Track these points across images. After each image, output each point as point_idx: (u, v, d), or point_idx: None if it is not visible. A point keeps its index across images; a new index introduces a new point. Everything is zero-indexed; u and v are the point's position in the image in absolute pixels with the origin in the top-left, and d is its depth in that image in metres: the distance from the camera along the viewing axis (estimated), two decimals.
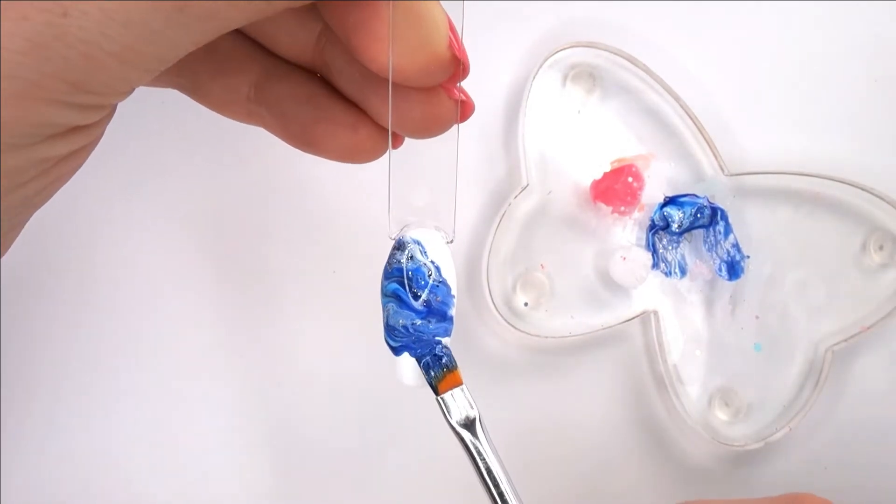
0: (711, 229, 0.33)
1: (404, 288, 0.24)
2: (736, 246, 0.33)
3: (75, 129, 0.19)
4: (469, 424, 0.23)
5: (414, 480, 0.33)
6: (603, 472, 0.33)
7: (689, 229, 0.33)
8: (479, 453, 0.23)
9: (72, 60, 0.17)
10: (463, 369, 0.33)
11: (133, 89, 0.19)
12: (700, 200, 0.33)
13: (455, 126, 0.23)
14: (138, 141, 0.33)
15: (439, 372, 0.24)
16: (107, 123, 0.21)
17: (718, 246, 0.33)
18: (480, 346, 0.33)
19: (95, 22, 0.17)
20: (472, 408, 0.23)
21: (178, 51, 0.19)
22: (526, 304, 0.33)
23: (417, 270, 0.24)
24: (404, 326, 0.24)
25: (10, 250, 0.22)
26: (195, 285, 0.33)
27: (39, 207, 0.21)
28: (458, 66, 0.21)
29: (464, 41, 0.21)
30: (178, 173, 0.33)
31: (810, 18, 0.34)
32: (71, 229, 0.33)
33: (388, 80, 0.21)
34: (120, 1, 0.17)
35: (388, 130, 0.24)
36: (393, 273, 0.24)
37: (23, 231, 0.22)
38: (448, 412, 0.23)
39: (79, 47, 0.17)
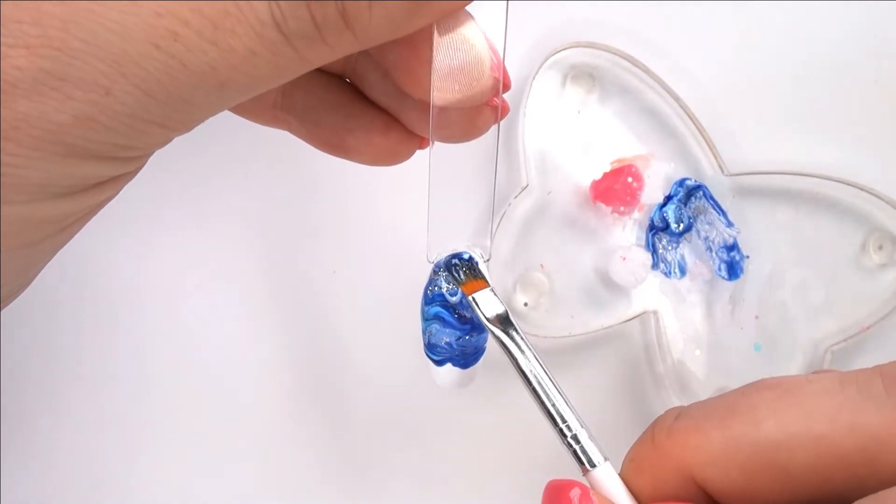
0: (703, 217, 0.33)
1: (447, 310, 0.24)
2: (735, 246, 0.33)
3: (118, 177, 0.20)
4: (502, 320, 0.23)
5: (423, 477, 0.33)
6: None
7: (688, 229, 0.33)
8: (513, 348, 0.23)
9: (115, 129, 0.18)
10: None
11: (172, 139, 0.20)
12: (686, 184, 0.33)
13: (494, 148, 0.23)
14: None
15: (468, 275, 0.24)
16: (143, 167, 0.21)
17: (713, 227, 0.33)
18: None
19: (136, 100, 0.17)
20: (501, 305, 0.23)
21: (217, 112, 0.19)
22: (526, 304, 0.33)
23: (459, 293, 0.24)
24: (448, 343, 0.24)
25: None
26: (201, 286, 0.33)
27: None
28: (499, 83, 0.22)
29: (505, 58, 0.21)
30: (189, 174, 0.33)
31: (810, 18, 0.34)
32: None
33: (426, 99, 0.21)
34: (160, 82, 0.17)
35: (417, 134, 0.24)
36: (434, 298, 0.24)
37: None
38: (480, 309, 0.23)
39: (122, 119, 0.18)
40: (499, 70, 0.21)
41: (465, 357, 0.25)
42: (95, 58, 0.17)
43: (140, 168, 0.21)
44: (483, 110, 0.23)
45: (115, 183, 0.20)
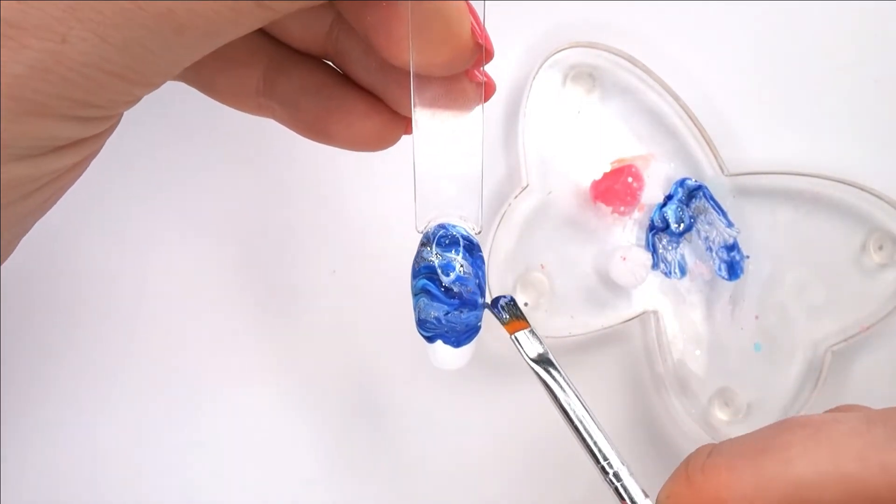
0: (703, 217, 0.33)
1: (434, 283, 0.23)
2: (736, 246, 0.33)
3: (82, 140, 0.20)
4: (543, 360, 0.23)
5: (424, 475, 0.33)
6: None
7: (688, 229, 0.33)
8: (555, 388, 0.23)
9: (73, 81, 0.17)
10: (463, 368, 0.33)
11: (139, 99, 0.19)
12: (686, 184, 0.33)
13: (479, 112, 0.23)
14: (142, 139, 0.33)
15: (511, 315, 0.24)
16: (112, 131, 0.21)
17: (713, 227, 0.33)
18: (480, 345, 0.33)
19: (93, 47, 0.17)
20: (541, 345, 0.24)
21: (180, 65, 0.19)
22: (526, 304, 0.33)
23: (448, 265, 0.23)
24: (436, 318, 0.24)
25: (13, 252, 0.22)
26: (201, 285, 0.33)
27: (41, 217, 0.21)
28: (481, 51, 0.21)
29: (486, 24, 0.21)
30: (183, 172, 0.33)
31: (810, 18, 0.34)
32: (69, 229, 0.33)
33: (408, 70, 0.21)
34: (116, 26, 0.17)
35: (403, 116, 0.24)
36: (421, 270, 0.24)
37: (31, 232, 0.22)
38: (522, 348, 0.24)
39: (79, 69, 0.17)
40: (481, 36, 0.21)
41: (457, 335, 0.24)
42: (49, 3, 0.17)
43: (106, 132, 0.20)
44: (466, 84, 0.22)
45: (78, 147, 0.20)
